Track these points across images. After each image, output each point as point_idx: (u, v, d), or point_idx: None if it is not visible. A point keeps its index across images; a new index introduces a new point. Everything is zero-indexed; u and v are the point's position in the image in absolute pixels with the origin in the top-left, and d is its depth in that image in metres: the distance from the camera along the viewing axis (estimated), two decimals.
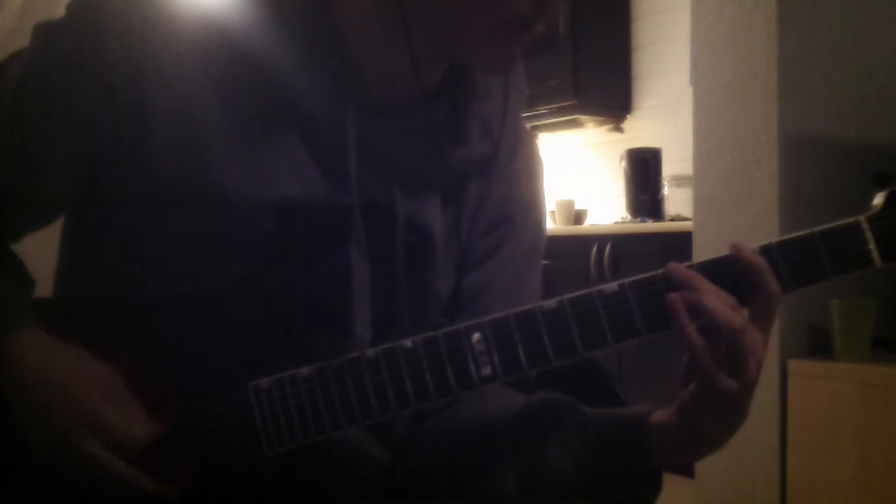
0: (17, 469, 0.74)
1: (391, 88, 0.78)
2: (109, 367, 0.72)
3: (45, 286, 0.84)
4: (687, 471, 2.38)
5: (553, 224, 3.89)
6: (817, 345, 2.17)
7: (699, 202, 2.33)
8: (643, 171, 3.64)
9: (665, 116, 3.82)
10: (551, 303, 0.67)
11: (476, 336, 0.67)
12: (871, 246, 0.66)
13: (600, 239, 3.35)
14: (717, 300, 0.66)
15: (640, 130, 3.96)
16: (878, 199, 0.67)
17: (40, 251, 0.86)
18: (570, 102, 3.83)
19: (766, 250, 0.67)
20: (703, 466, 2.29)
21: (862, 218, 0.67)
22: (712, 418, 0.70)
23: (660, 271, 0.67)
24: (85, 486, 0.70)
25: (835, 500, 1.97)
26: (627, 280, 0.67)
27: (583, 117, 4.01)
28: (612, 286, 0.67)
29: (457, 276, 0.82)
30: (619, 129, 4.07)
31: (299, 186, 0.74)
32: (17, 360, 0.71)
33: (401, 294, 0.79)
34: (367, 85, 0.77)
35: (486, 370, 0.67)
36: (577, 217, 3.94)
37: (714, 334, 0.66)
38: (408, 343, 0.68)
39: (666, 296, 0.67)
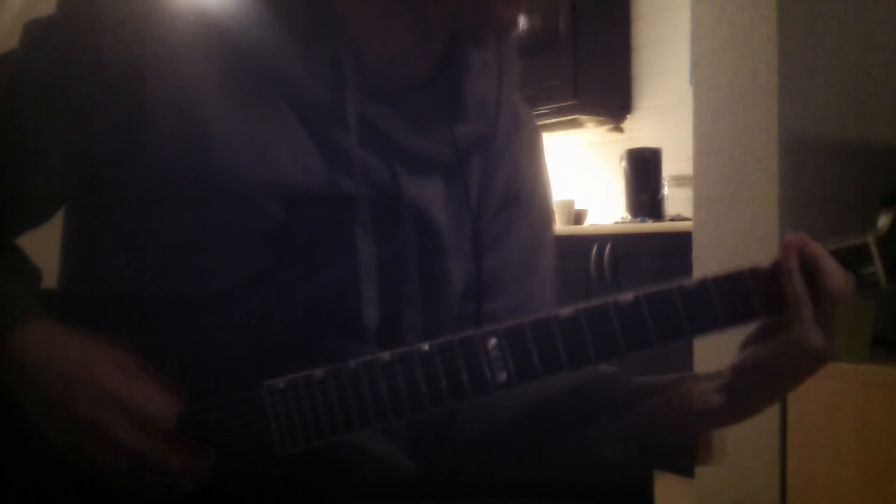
0: (27, 469, 0.73)
1: (390, 69, 0.78)
2: (123, 348, 0.71)
3: (48, 285, 0.84)
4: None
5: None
6: None
7: (699, 202, 2.33)
8: (643, 171, 3.64)
9: (665, 116, 3.82)
10: (567, 311, 0.68)
11: (492, 342, 0.68)
12: (878, 267, 0.68)
13: (600, 239, 3.35)
14: (833, 265, 0.67)
15: (640, 130, 3.96)
16: (884, 221, 0.68)
17: (45, 248, 0.85)
18: (570, 102, 3.83)
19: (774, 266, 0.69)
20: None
21: (870, 239, 0.68)
22: (775, 379, 0.70)
23: (674, 284, 0.68)
24: (111, 472, 0.68)
25: (835, 500, 1.97)
26: (642, 292, 0.68)
27: (583, 117, 4.01)
28: (628, 297, 0.68)
29: (472, 260, 0.82)
30: (619, 129, 4.07)
31: (301, 172, 0.74)
32: (25, 353, 0.69)
33: (413, 277, 0.79)
34: (365, 67, 0.77)
35: (502, 376, 0.68)
36: (577, 217, 3.94)
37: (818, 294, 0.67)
38: (424, 346, 0.68)
39: (783, 238, 0.68)
